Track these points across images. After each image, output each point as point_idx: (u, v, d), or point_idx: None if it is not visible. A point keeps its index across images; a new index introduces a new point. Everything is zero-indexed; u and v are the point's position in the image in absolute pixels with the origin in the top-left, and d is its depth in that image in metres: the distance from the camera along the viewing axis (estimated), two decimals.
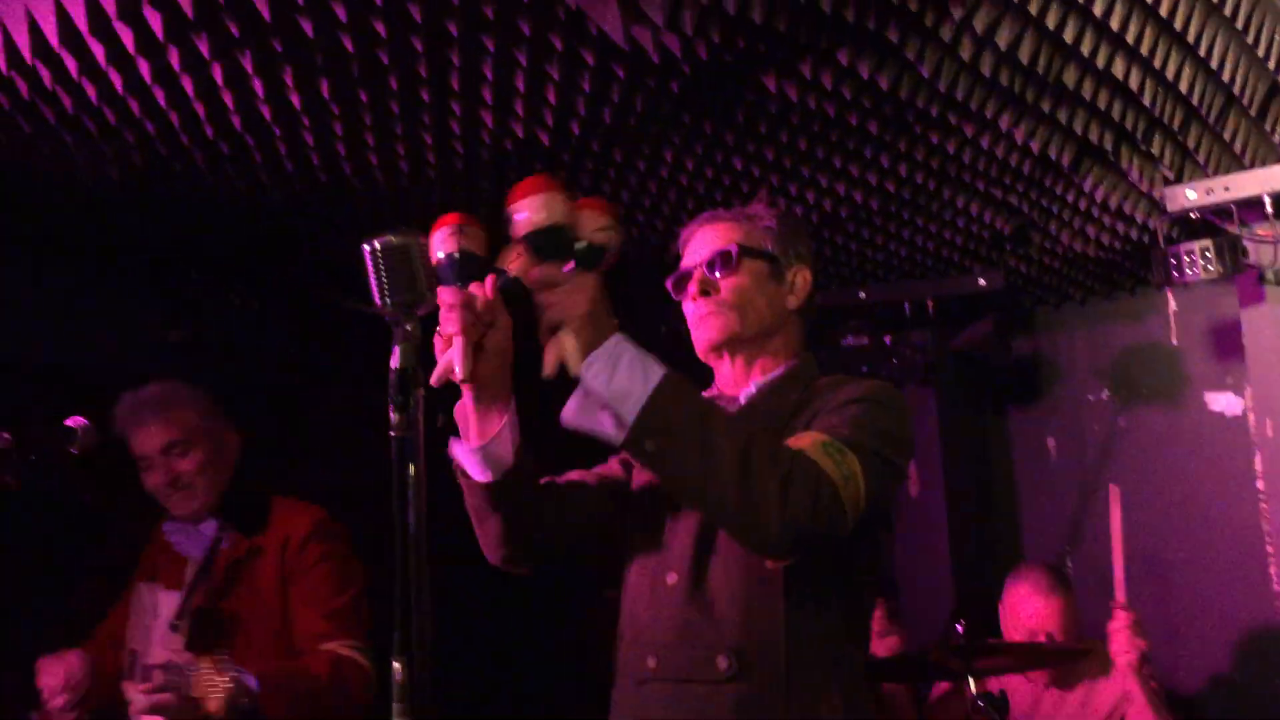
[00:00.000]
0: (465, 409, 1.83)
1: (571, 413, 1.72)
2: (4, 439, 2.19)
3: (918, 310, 4.47)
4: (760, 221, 2.09)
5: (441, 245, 1.80)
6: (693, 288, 2.03)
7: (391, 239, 1.71)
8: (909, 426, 1.92)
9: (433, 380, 1.81)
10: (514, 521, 1.89)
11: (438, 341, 1.80)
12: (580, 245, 1.80)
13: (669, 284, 2.10)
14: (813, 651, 1.82)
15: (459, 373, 1.78)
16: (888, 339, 4.49)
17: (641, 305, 2.58)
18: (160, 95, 2.62)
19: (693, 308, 2.05)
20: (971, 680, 2.92)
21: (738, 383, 2.03)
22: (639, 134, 3.04)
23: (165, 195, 3.20)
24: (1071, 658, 3.35)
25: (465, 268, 1.81)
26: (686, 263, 2.08)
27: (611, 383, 1.69)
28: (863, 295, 4.47)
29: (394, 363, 1.69)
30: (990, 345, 4.54)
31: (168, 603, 2.77)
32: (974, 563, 4.73)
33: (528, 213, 1.78)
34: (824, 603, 1.85)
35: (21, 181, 3.08)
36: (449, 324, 1.75)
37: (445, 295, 1.76)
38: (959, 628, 2.93)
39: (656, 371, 1.70)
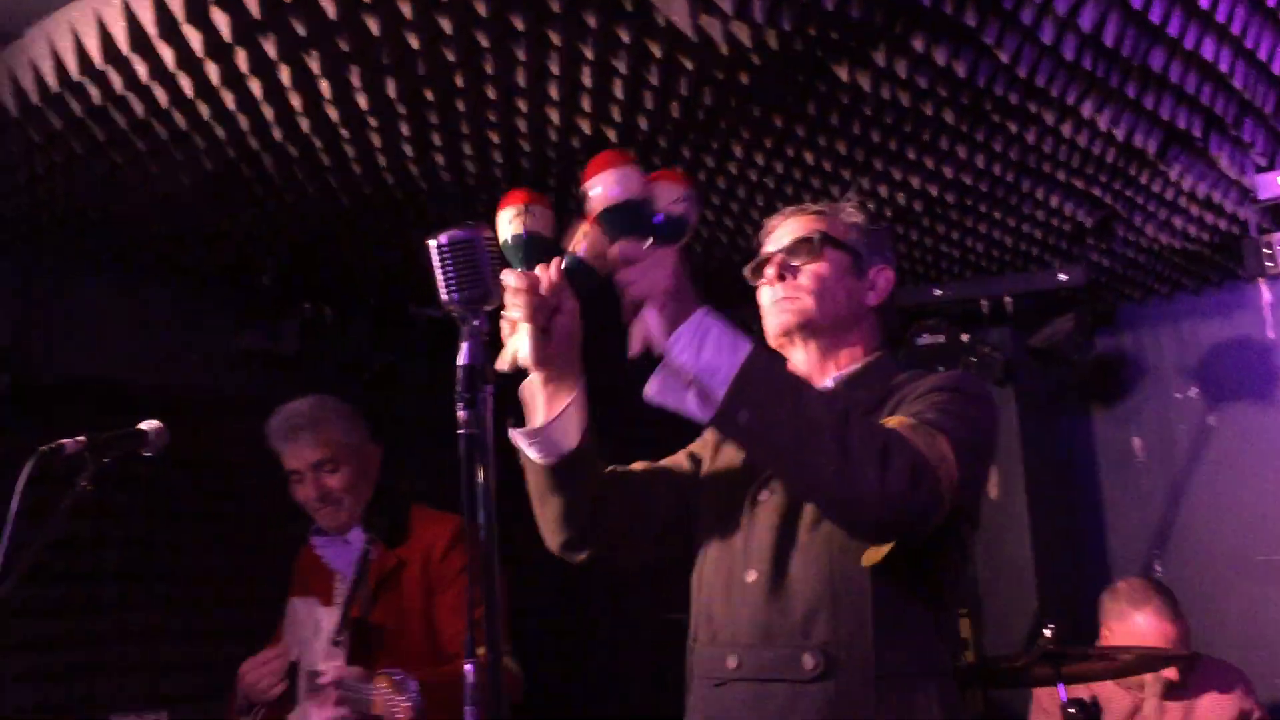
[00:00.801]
0: (531, 389, 1.81)
1: (655, 389, 1.67)
2: (78, 443, 2.19)
3: (996, 308, 4.35)
4: (847, 216, 2.05)
5: (507, 226, 1.78)
6: (771, 271, 1.99)
7: (457, 233, 1.69)
8: (995, 418, 1.85)
9: (499, 365, 1.78)
10: (575, 505, 1.86)
11: (504, 326, 1.77)
12: (658, 219, 1.77)
13: (747, 270, 2.06)
14: (902, 649, 1.75)
15: (526, 359, 1.75)
16: (965, 337, 4.37)
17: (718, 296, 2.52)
18: (229, 98, 2.62)
19: (769, 292, 2.00)
20: (1062, 686, 2.80)
21: (811, 375, 1.97)
22: (707, 129, 2.98)
23: (236, 201, 3.21)
24: (1166, 664, 3.22)
25: (531, 250, 1.78)
26: (767, 249, 2.04)
27: (700, 358, 1.64)
28: (938, 293, 4.37)
29: (461, 359, 1.67)
30: (1071, 343, 4.40)
31: (327, 617, 2.86)
32: (1059, 568, 4.59)
33: (602, 188, 1.75)
34: (911, 599, 1.78)
35: (95, 192, 3.10)
36: (514, 308, 1.73)
37: (510, 279, 1.74)
38: (1047, 632, 2.82)
39: (745, 344, 1.65)
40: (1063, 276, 4.18)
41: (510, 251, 1.78)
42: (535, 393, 1.82)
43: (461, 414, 1.63)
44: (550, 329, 1.76)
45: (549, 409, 1.80)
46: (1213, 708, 3.40)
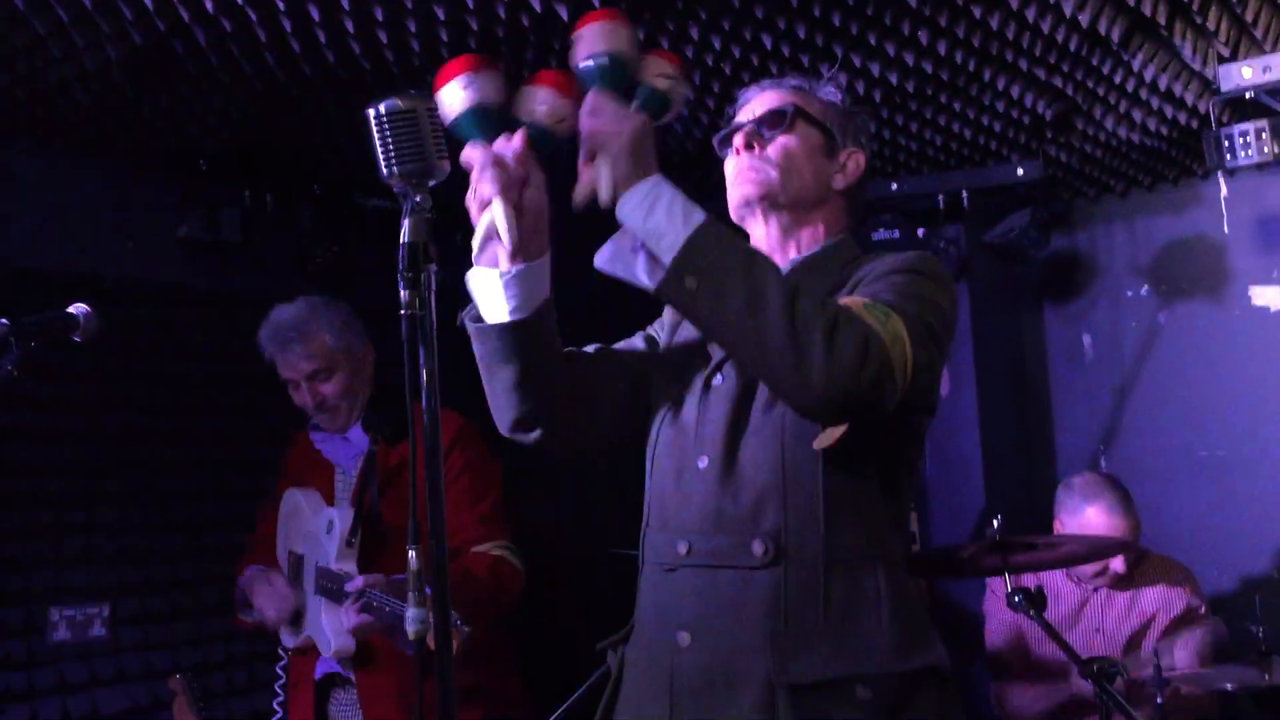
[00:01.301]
0: (489, 252, 1.73)
1: (605, 258, 1.63)
2: (1, 326, 2.09)
3: (952, 203, 4.32)
4: (825, 94, 1.98)
5: (457, 98, 1.68)
6: (739, 139, 1.92)
7: (398, 103, 1.60)
8: (953, 299, 1.81)
9: (474, 246, 1.72)
10: (530, 372, 1.79)
11: (471, 204, 1.69)
12: (642, 89, 1.71)
13: (716, 140, 1.99)
14: (852, 537, 1.73)
15: (506, 242, 1.68)
16: (920, 233, 4.33)
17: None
18: None
19: (734, 162, 1.93)
20: (1008, 575, 2.83)
21: (772, 253, 1.91)
22: (662, 7, 2.87)
23: (168, 79, 3.06)
24: (1111, 553, 3.26)
25: (486, 121, 1.69)
26: (738, 120, 1.96)
27: (648, 220, 1.59)
28: (895, 187, 4.32)
29: (403, 237, 1.59)
30: (1027, 239, 4.37)
31: (339, 517, 2.93)
32: (1007, 465, 4.63)
33: (589, 39, 1.68)
34: (863, 486, 1.75)
35: (15, 66, 2.94)
36: (484, 186, 1.65)
37: (475, 154, 1.66)
38: (995, 523, 2.84)
39: (699, 213, 1.60)
40: (1020, 171, 4.13)
41: (465, 126, 1.69)
42: (495, 256, 1.73)
43: (404, 294, 1.57)
44: (521, 205, 1.68)
45: (513, 264, 1.72)
46: (1158, 600, 3.48)
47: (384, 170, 1.60)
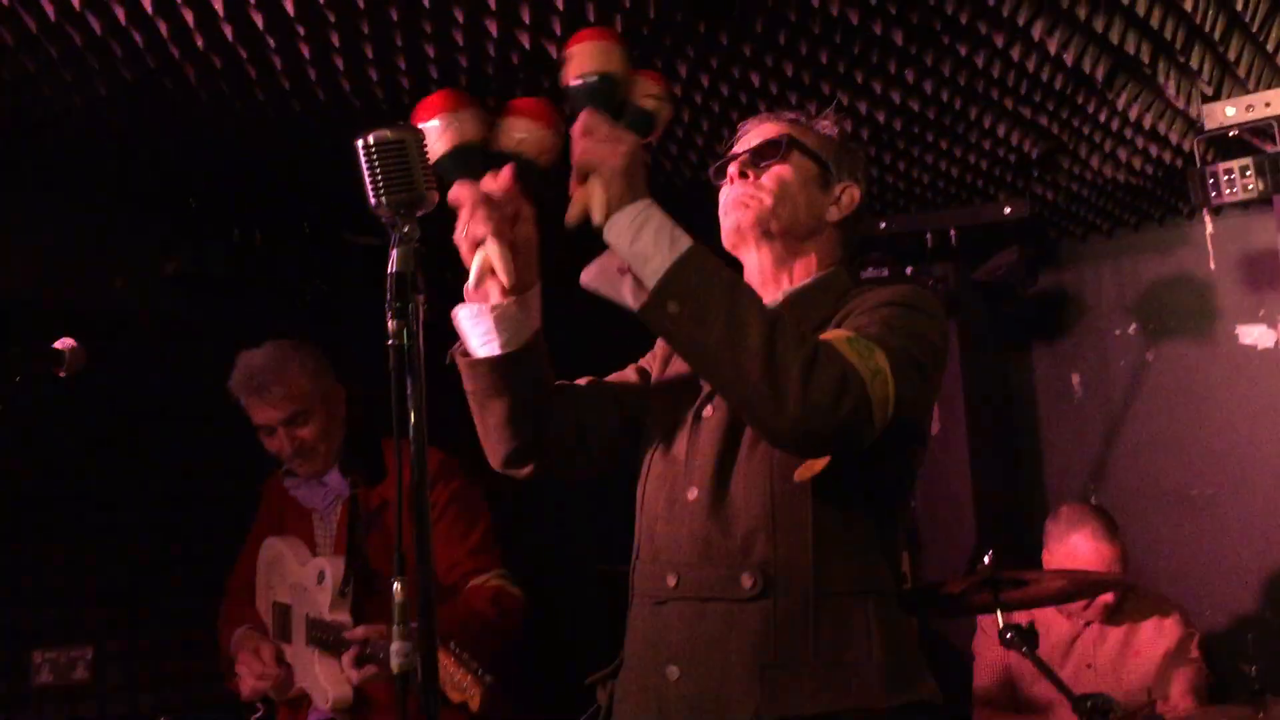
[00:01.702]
0: (475, 287, 1.73)
1: (591, 276, 1.63)
2: None
3: (940, 241, 4.33)
4: (821, 128, 1.99)
5: (438, 141, 1.68)
6: (733, 168, 1.93)
7: (386, 133, 1.60)
8: (944, 333, 1.80)
9: (469, 286, 1.72)
10: (522, 406, 1.78)
11: (461, 243, 1.69)
12: (630, 108, 1.72)
13: (711, 171, 2.00)
14: (842, 569, 1.72)
15: (504, 279, 1.68)
16: (909, 270, 4.34)
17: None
18: (146, 1, 2.48)
19: (728, 191, 1.94)
20: (1000, 612, 2.81)
21: (764, 284, 1.91)
22: (651, 45, 2.89)
23: (158, 115, 3.07)
24: (1103, 589, 3.25)
25: (470, 159, 1.69)
26: (735, 150, 1.98)
27: (634, 244, 1.59)
28: (883, 225, 4.33)
29: (391, 267, 1.59)
30: (1015, 276, 4.39)
31: (330, 566, 2.85)
32: (997, 503, 4.62)
33: (581, 58, 1.68)
34: (853, 519, 1.74)
35: (5, 100, 2.94)
36: (476, 227, 1.65)
37: (463, 193, 1.66)
38: (986, 559, 2.82)
39: (685, 239, 1.60)
40: (1007, 209, 4.15)
41: (449, 167, 1.69)
42: (484, 291, 1.73)
43: (391, 324, 1.56)
44: (513, 240, 1.68)
45: (504, 298, 1.72)
46: (1153, 636, 3.46)
47: (372, 200, 1.60)
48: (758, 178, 1.91)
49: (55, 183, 3.49)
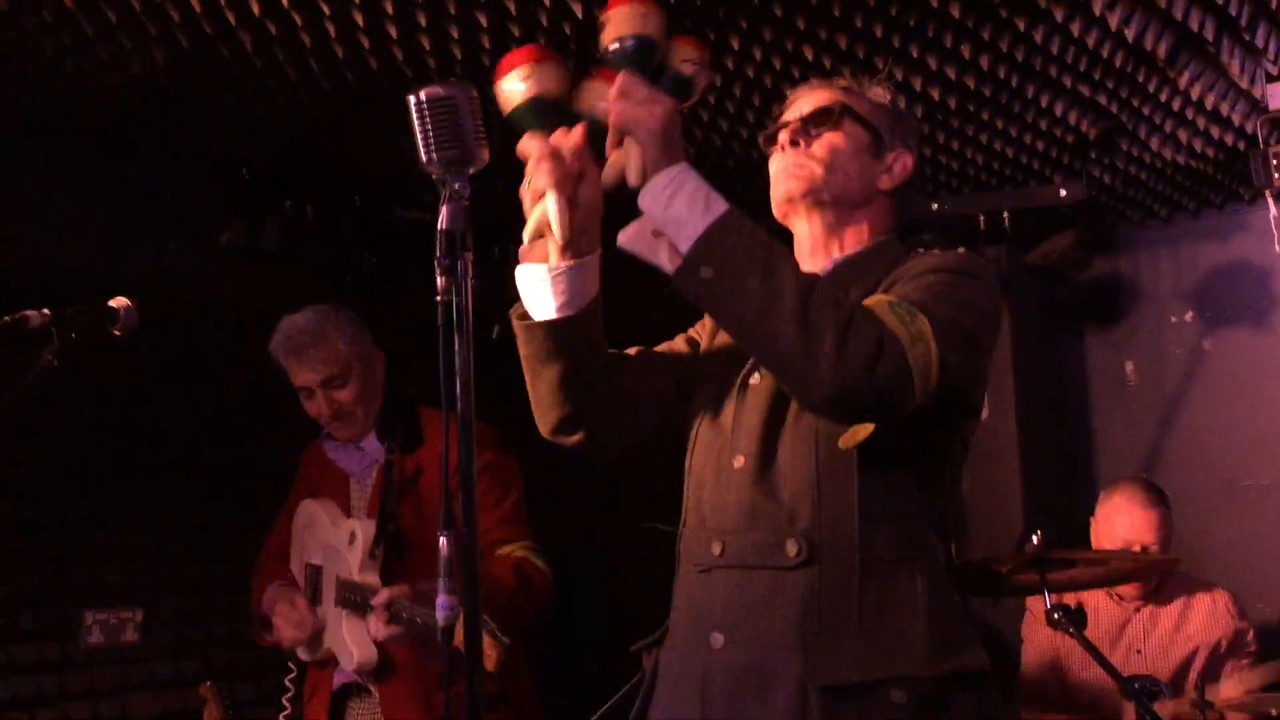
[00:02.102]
0: (538, 251, 1.73)
1: (628, 237, 1.62)
2: (43, 315, 2.11)
3: (993, 223, 4.26)
4: (874, 95, 1.96)
5: (517, 87, 1.68)
6: (784, 136, 1.89)
7: (438, 90, 1.60)
8: (996, 300, 1.76)
9: (525, 236, 1.71)
10: (575, 372, 1.78)
11: (524, 195, 1.69)
12: (667, 73, 1.70)
13: (762, 138, 1.97)
14: (887, 536, 1.70)
15: (558, 234, 1.67)
16: (961, 252, 4.28)
17: None
18: None
19: (779, 159, 1.91)
20: (1047, 593, 2.77)
21: (815, 253, 1.89)
22: (703, 16, 2.87)
23: (213, 83, 3.10)
24: (1154, 571, 3.20)
25: (546, 113, 1.69)
26: (785, 117, 1.94)
27: (669, 208, 1.58)
28: (935, 207, 4.28)
29: (441, 223, 1.59)
30: (1070, 261, 4.32)
31: (361, 528, 2.89)
32: (1047, 490, 4.56)
33: (618, 21, 1.67)
34: (901, 487, 1.72)
35: (63, 66, 2.98)
36: (539, 178, 1.64)
37: (531, 145, 1.65)
38: (1035, 538, 2.78)
39: (721, 203, 1.58)
40: (1063, 192, 4.08)
41: (523, 116, 1.69)
42: (545, 253, 1.72)
43: (440, 280, 1.57)
44: (575, 199, 1.67)
45: (564, 260, 1.71)
46: (1205, 623, 3.40)
47: (423, 156, 1.60)
48: (809, 145, 1.88)
49: (111, 150, 3.53)
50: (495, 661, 2.43)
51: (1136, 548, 3.34)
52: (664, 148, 1.59)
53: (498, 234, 1.74)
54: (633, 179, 1.61)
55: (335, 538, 2.98)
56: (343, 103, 3.26)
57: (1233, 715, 3.01)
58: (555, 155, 1.63)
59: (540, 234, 1.69)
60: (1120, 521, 3.41)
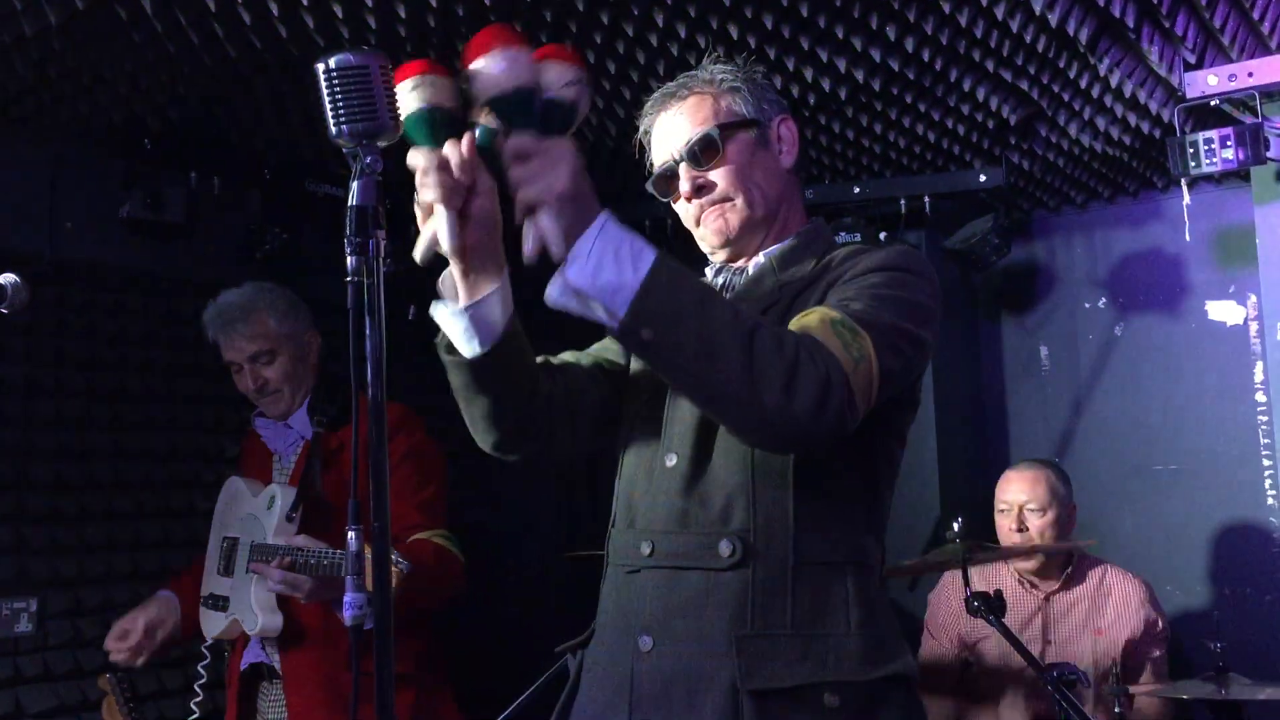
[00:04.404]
0: (452, 280, 1.65)
1: (556, 294, 1.53)
2: None
3: (914, 208, 4.28)
4: (726, 84, 1.87)
5: (407, 99, 1.59)
6: (685, 188, 1.83)
7: (349, 58, 1.53)
8: (935, 294, 1.74)
9: (416, 256, 1.63)
10: (505, 401, 1.72)
11: (418, 212, 1.62)
12: (546, 103, 1.60)
13: (651, 186, 1.90)
14: (822, 538, 1.67)
15: (444, 244, 1.59)
16: (882, 237, 4.28)
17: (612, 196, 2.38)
18: None
19: (688, 210, 1.85)
20: (966, 582, 2.77)
21: (743, 254, 1.87)
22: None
23: (111, 48, 2.94)
24: (1060, 551, 3.24)
25: (436, 125, 1.60)
26: (660, 157, 1.87)
27: (598, 277, 1.49)
28: (857, 191, 4.28)
29: (351, 200, 1.52)
30: (988, 247, 4.35)
31: (281, 494, 2.94)
32: (962, 474, 4.59)
33: (488, 74, 1.57)
34: (836, 487, 1.70)
35: None
36: (426, 190, 1.56)
37: (418, 158, 1.57)
38: (955, 526, 2.78)
39: (648, 257, 1.50)
40: (982, 177, 4.10)
41: (413, 128, 1.61)
42: (455, 282, 1.65)
43: (350, 260, 1.49)
44: (468, 212, 1.59)
45: (471, 294, 1.63)
46: (1116, 619, 3.45)
47: (332, 128, 1.53)
48: (710, 187, 1.82)
49: (2, 120, 3.35)
50: (396, 582, 2.42)
51: (1015, 509, 3.41)
52: (578, 208, 1.51)
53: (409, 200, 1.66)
54: (556, 251, 1.53)
55: (255, 506, 3.00)
56: (250, 71, 3.13)
57: (1145, 700, 3.06)
58: (442, 168, 1.55)
59: (430, 249, 1.61)
60: (1003, 489, 3.58)
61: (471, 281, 1.63)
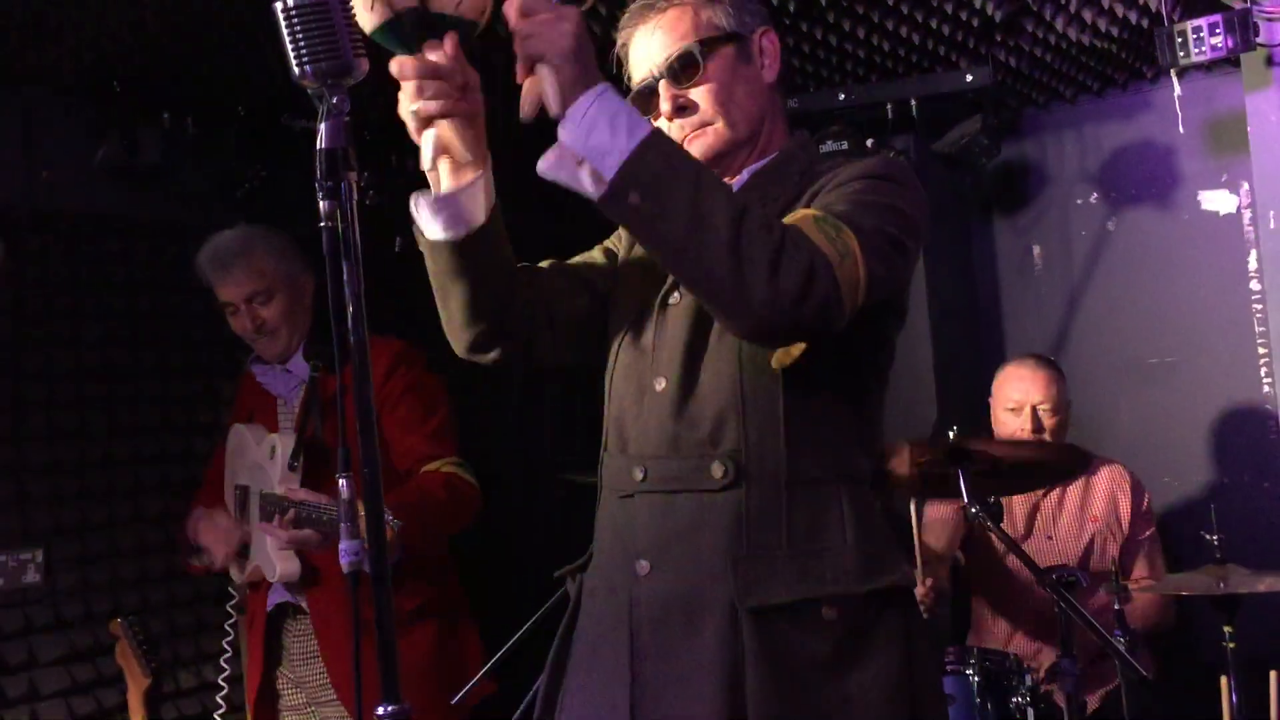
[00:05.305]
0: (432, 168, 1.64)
1: (549, 164, 1.53)
2: None
3: (901, 112, 4.20)
4: None
5: (364, 19, 1.56)
6: (666, 107, 1.79)
7: None
8: (921, 203, 1.71)
9: (424, 166, 1.62)
10: (483, 289, 1.71)
11: (408, 119, 1.59)
12: None
13: (630, 103, 1.85)
14: (815, 455, 1.67)
15: (461, 158, 1.59)
16: (870, 143, 4.23)
17: None
18: None
19: (670, 128, 1.80)
20: (965, 490, 2.78)
21: (727, 171, 1.84)
22: None
23: None
24: (1056, 458, 3.25)
25: (406, 31, 1.56)
26: (639, 76, 1.82)
27: (591, 136, 1.48)
28: (842, 98, 4.20)
29: (320, 143, 1.49)
30: (978, 146, 4.29)
31: (281, 442, 2.94)
32: (959, 376, 4.60)
33: None
34: (827, 404, 1.69)
35: None
36: (427, 104, 1.54)
37: (406, 68, 1.54)
38: (951, 434, 2.79)
39: (644, 125, 1.50)
40: (969, 78, 4.02)
41: (385, 41, 1.57)
42: (436, 177, 1.64)
43: (323, 205, 1.47)
44: (466, 113, 1.58)
45: (455, 181, 1.63)
46: (1106, 501, 3.48)
47: (295, 70, 1.50)
48: (691, 106, 1.78)
49: None
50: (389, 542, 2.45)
51: (1026, 407, 3.40)
52: (579, 69, 1.50)
53: (395, 138, 1.63)
54: (554, 108, 1.52)
55: (259, 455, 3.00)
56: (217, 5, 3.05)
57: (1144, 596, 3.09)
58: (435, 74, 1.53)
59: (438, 156, 1.60)
60: (1011, 386, 3.56)
61: (455, 170, 1.63)
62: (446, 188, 1.64)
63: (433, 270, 1.73)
